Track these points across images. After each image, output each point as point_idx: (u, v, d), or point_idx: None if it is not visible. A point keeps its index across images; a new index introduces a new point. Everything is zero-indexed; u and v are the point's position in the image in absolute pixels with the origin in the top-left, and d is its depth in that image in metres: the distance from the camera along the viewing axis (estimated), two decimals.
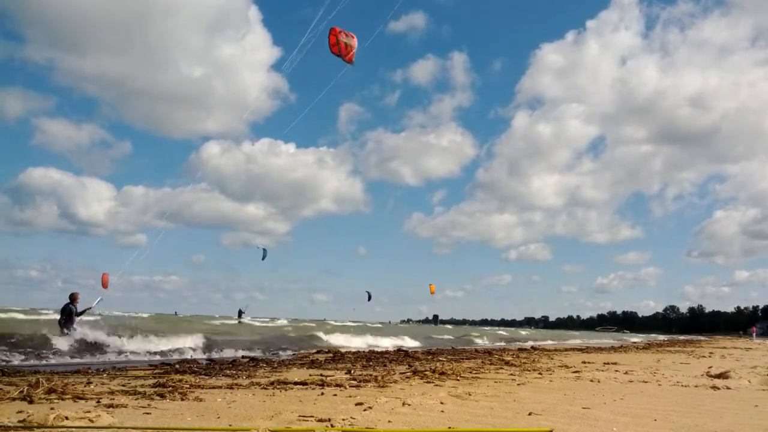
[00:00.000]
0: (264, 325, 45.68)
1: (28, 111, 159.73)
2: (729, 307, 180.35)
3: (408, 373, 10.14)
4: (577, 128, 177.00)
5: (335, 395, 7.16)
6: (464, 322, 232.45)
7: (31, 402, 6.09)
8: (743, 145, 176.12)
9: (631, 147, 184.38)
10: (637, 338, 66.49)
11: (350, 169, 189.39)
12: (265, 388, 7.75)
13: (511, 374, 10.76)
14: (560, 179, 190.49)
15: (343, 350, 18.30)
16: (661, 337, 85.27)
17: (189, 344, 17.64)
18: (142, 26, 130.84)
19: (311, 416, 5.48)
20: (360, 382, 8.60)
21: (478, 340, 38.54)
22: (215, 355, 15.83)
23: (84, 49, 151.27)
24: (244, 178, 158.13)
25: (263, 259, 31.34)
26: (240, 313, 38.41)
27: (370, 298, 32.60)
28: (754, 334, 72.01)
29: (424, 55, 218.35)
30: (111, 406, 5.92)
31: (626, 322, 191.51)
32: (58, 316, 16.95)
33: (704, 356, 19.86)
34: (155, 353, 15.64)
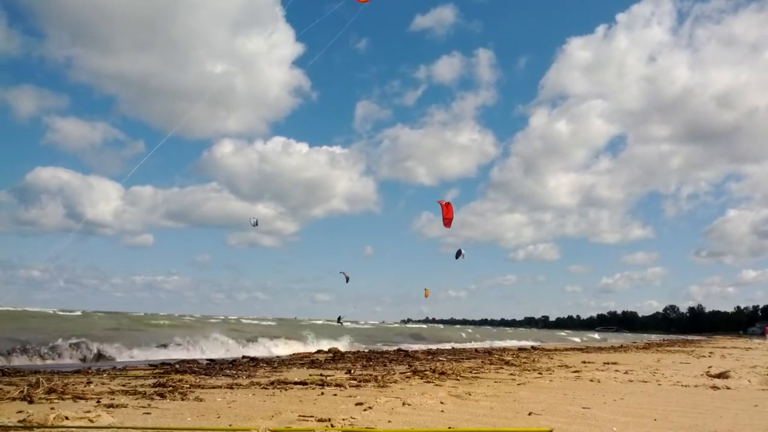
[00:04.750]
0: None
1: (40, 109, 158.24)
2: (731, 307, 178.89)
3: (408, 373, 10.14)
4: (598, 126, 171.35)
5: (335, 395, 7.16)
6: (464, 322, 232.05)
7: (31, 402, 6.09)
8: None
9: (652, 146, 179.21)
10: (577, 338, 57.89)
11: (363, 169, 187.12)
12: (265, 388, 7.76)
13: (511, 374, 10.76)
14: (575, 178, 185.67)
15: (343, 350, 18.33)
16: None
17: None
18: (167, 23, 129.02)
19: (311, 416, 5.48)
20: (360, 382, 8.60)
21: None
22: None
23: (107, 46, 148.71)
24: (256, 177, 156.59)
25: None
26: (339, 319, 43.00)
27: (347, 279, 33.42)
28: None
29: (449, 52, 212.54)
30: (111, 406, 5.92)
31: (626, 322, 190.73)
32: None
33: (704, 356, 19.87)
34: None
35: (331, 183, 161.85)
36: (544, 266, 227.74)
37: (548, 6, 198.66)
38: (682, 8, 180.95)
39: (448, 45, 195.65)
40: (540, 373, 10.99)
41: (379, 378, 9.08)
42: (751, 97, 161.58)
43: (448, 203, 21.30)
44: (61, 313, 56.11)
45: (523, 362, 14.23)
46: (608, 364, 14.27)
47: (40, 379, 7.27)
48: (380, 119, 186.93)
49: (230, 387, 7.81)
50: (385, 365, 12.34)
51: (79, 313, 58.01)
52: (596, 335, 78.15)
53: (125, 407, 5.88)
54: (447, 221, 20.93)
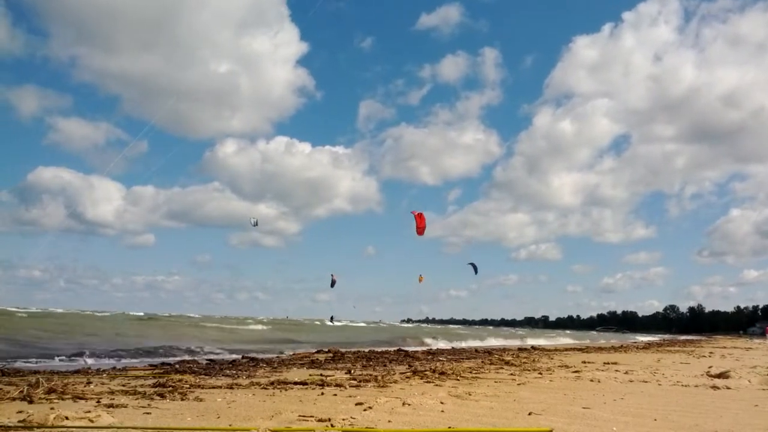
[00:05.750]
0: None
1: (43, 109, 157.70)
2: (732, 307, 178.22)
3: (408, 373, 10.13)
4: (603, 126, 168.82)
5: (335, 395, 7.16)
6: (464, 322, 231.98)
7: (31, 402, 6.09)
8: None
9: (656, 145, 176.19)
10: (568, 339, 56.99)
11: (366, 168, 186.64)
12: (265, 388, 7.75)
13: (511, 374, 10.76)
14: (579, 178, 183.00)
15: (343, 350, 18.32)
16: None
17: None
18: (171, 22, 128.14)
19: (311, 416, 5.48)
20: (360, 382, 8.60)
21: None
22: None
23: (111, 46, 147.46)
24: (258, 177, 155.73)
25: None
26: (332, 318, 45.58)
27: (333, 283, 34.05)
28: None
29: (454, 51, 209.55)
30: (111, 406, 5.92)
31: (626, 322, 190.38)
32: None
33: (704, 356, 19.86)
34: None
35: (333, 183, 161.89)
36: (545, 266, 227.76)
37: (554, 5, 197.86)
38: (689, 7, 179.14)
39: (454, 44, 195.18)
40: (540, 373, 10.98)
41: (379, 378, 9.08)
42: (756, 97, 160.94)
43: (421, 213, 25.20)
44: (99, 314, 56.17)
45: (523, 362, 14.22)
46: (608, 364, 14.26)
47: (40, 379, 7.27)
48: (384, 118, 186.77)
49: (230, 387, 7.81)
50: (385, 365, 12.34)
51: (107, 314, 58.41)
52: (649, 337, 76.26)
53: (125, 407, 5.88)
54: (420, 230, 24.47)
